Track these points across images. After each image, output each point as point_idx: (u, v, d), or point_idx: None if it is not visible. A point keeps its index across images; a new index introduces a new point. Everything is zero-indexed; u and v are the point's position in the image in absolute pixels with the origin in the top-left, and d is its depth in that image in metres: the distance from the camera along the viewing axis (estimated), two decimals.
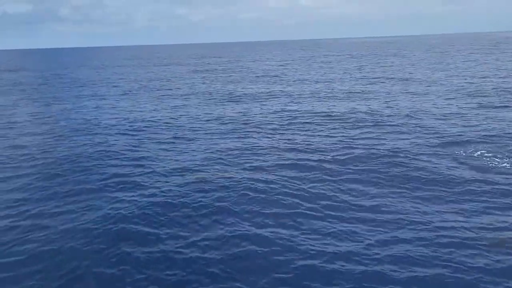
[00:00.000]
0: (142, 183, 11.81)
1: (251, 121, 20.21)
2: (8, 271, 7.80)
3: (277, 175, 12.18)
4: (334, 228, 8.94)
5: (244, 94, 30.34)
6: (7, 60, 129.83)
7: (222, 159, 13.93)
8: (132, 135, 17.85)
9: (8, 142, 17.95)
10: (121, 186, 11.68)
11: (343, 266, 7.51)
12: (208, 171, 12.73)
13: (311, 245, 8.21)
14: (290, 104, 25.01)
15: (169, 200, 10.50)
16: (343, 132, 17.08)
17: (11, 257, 8.27)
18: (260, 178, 11.88)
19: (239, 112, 22.75)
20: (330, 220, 9.32)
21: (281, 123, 19.55)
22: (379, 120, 18.74)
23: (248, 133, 17.81)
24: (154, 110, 24.27)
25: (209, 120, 20.90)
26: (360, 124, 18.37)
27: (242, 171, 12.62)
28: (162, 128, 18.97)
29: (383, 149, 14.15)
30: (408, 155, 13.26)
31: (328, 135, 16.79)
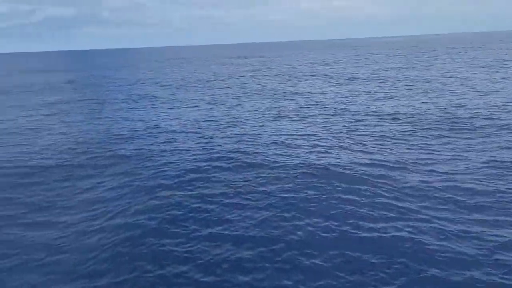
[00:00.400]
0: (225, 180, 11.28)
1: (312, 122, 19.39)
2: (100, 281, 7.37)
3: (360, 175, 11.36)
4: (454, 230, 8.07)
5: (297, 93, 29.59)
6: (53, 61, 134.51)
7: (296, 157, 13.22)
8: (198, 133, 17.43)
9: (69, 140, 17.91)
10: (202, 183, 11.19)
11: (485, 274, 6.66)
12: (288, 169, 12.05)
13: (439, 251, 7.38)
14: (348, 103, 24.04)
15: (259, 199, 9.91)
16: (415, 136, 15.86)
17: (101, 264, 7.85)
18: (345, 178, 11.11)
19: (297, 113, 22.00)
20: (442, 221, 8.45)
21: (344, 124, 18.58)
22: (455, 121, 17.53)
23: (312, 133, 17.03)
24: (210, 108, 23.94)
25: (268, 119, 20.26)
26: (433, 125, 17.20)
27: (321, 171, 11.84)
28: (225, 126, 18.50)
29: (469, 151, 13.08)
30: (506, 158, 12.13)
31: (400, 138, 15.61)
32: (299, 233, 8.28)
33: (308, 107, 23.34)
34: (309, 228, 8.41)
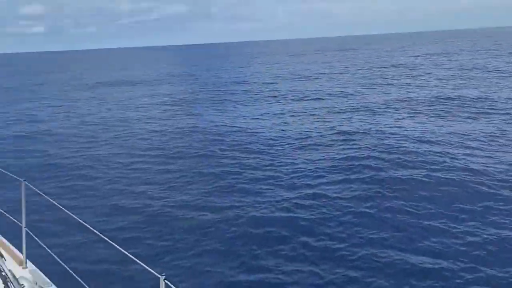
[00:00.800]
0: (376, 181, 10.36)
1: (455, 120, 17.38)
2: (254, 276, 6.91)
3: None
4: None
5: (424, 87, 27.22)
6: (171, 55, 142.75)
7: (454, 159, 11.71)
8: (330, 128, 16.48)
9: (197, 130, 18.01)
10: (350, 184, 10.41)
11: None
12: (449, 172, 10.71)
13: None
14: (491, 100, 21.26)
15: (424, 208, 8.84)
16: None
17: (257, 261, 7.45)
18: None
19: (432, 108, 20.09)
20: None
21: (497, 125, 15.90)
22: None
23: (460, 132, 15.17)
24: (334, 101, 22.91)
25: (402, 115, 18.73)
26: None
27: (492, 178, 10.25)
28: (356, 121, 17.40)
29: None
30: None
31: None
32: (490, 247, 7.05)
33: (442, 103, 21.19)
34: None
